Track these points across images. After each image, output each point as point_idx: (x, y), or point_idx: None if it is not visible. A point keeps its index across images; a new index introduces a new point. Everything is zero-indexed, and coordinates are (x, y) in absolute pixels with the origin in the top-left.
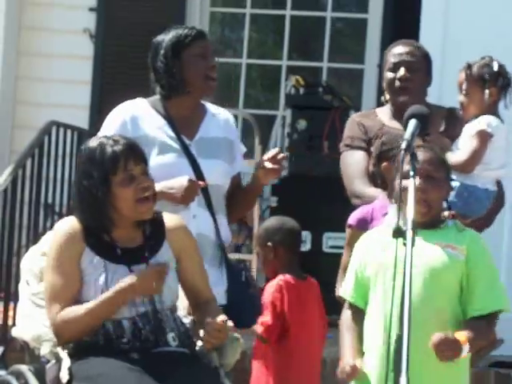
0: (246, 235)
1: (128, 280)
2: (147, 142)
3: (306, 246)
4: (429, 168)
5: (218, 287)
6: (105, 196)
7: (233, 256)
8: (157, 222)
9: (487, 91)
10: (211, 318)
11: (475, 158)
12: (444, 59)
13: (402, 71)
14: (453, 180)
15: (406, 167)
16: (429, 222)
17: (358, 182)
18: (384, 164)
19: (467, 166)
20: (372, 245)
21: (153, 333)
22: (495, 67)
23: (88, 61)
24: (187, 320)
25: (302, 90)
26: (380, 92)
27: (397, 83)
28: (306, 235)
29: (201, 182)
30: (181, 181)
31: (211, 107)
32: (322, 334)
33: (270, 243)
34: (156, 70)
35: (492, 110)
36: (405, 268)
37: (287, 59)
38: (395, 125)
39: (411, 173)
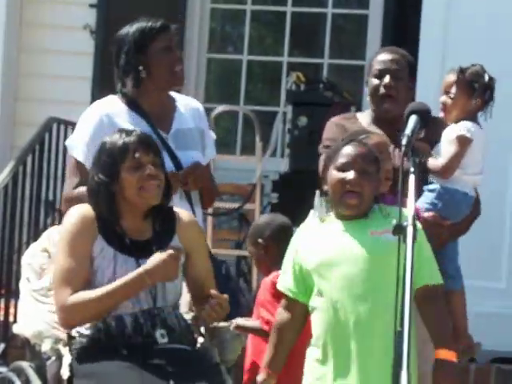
0: (246, 232)
1: (138, 270)
2: None
3: None
4: (362, 162)
5: None
6: (113, 184)
7: (234, 252)
8: (168, 217)
9: (474, 101)
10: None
11: (453, 162)
12: (445, 57)
13: (386, 79)
14: (431, 182)
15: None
16: (360, 214)
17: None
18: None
19: (446, 171)
20: (309, 238)
21: (154, 328)
22: (486, 79)
23: (88, 57)
24: (188, 316)
25: (302, 87)
26: None
27: (381, 90)
28: None
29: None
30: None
31: (179, 98)
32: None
33: (260, 240)
34: (120, 66)
35: (473, 116)
36: (405, 264)
37: (288, 56)
38: (376, 130)
39: (411, 169)
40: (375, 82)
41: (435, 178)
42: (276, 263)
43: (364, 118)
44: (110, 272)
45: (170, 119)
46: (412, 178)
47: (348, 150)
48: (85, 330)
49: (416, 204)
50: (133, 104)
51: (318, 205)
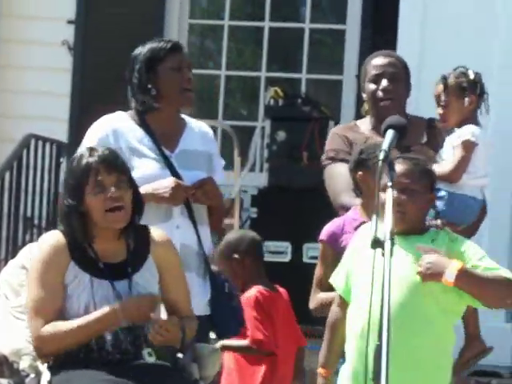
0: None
1: (113, 307)
2: (129, 155)
3: (287, 257)
4: (405, 180)
5: (202, 297)
6: (79, 206)
7: (213, 268)
8: (142, 237)
9: (467, 99)
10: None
11: (461, 167)
12: (421, 69)
13: (384, 82)
14: (439, 190)
15: (385, 179)
16: (407, 231)
17: (345, 195)
18: (360, 173)
19: (453, 176)
20: (361, 248)
21: (133, 345)
22: (471, 75)
23: (67, 73)
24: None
25: (280, 101)
26: (359, 102)
27: (379, 94)
28: (287, 246)
29: (187, 185)
30: (167, 181)
31: (191, 120)
32: (295, 341)
33: (236, 255)
34: (132, 85)
35: (472, 118)
36: (383, 279)
37: (266, 71)
38: (378, 137)
39: (389, 184)
40: (372, 86)
41: (442, 185)
42: (252, 277)
43: (365, 125)
44: (86, 297)
45: (177, 139)
46: (390, 193)
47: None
48: None
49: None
50: (140, 122)
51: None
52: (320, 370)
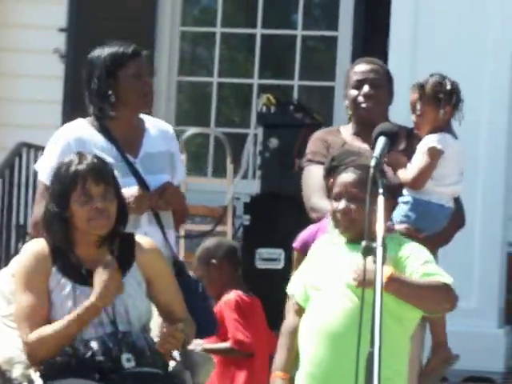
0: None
1: (92, 293)
2: None
3: (280, 264)
4: (353, 189)
5: None
6: (63, 212)
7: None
8: (127, 244)
9: (442, 110)
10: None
11: (423, 174)
12: (413, 76)
13: (366, 88)
14: (402, 195)
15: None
16: (356, 238)
17: (314, 196)
18: (331, 180)
19: (415, 183)
20: (321, 254)
21: (120, 352)
22: (448, 85)
23: (58, 81)
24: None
25: (273, 108)
26: None
27: (360, 99)
28: (280, 253)
29: (150, 193)
30: (131, 190)
31: (149, 120)
32: (270, 348)
33: (213, 260)
34: (91, 91)
35: (446, 127)
36: (375, 286)
37: (258, 78)
38: (356, 142)
39: (380, 190)
40: (354, 92)
41: (408, 190)
42: (230, 282)
43: (347, 130)
44: (70, 304)
45: (139, 143)
46: (381, 199)
47: (341, 179)
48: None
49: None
50: (101, 128)
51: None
52: (279, 374)
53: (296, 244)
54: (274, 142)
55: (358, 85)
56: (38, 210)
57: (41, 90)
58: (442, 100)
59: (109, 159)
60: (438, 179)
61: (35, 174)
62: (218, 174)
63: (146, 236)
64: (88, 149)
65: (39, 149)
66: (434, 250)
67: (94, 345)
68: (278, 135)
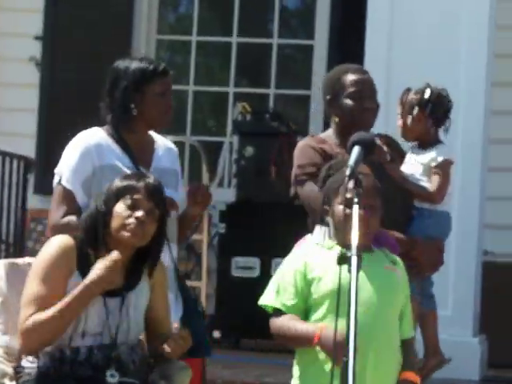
0: (194, 262)
1: (89, 277)
2: (112, 171)
3: (256, 272)
4: (369, 197)
5: (175, 315)
6: (107, 213)
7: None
8: (138, 257)
9: (410, 116)
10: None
11: (444, 188)
12: (388, 84)
13: (369, 102)
14: (417, 208)
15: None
16: (366, 246)
17: None
18: None
19: (437, 197)
20: (319, 263)
21: (107, 366)
22: (426, 94)
23: (34, 89)
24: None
25: (248, 117)
26: (327, 117)
27: (364, 114)
28: (255, 261)
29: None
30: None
31: (156, 137)
32: None
33: None
34: (114, 99)
35: (437, 136)
36: (349, 295)
37: (234, 86)
38: (343, 153)
39: (355, 199)
40: (351, 103)
41: (423, 204)
42: None
43: (330, 139)
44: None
45: (151, 157)
46: (356, 209)
47: (352, 185)
48: (30, 363)
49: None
50: (118, 138)
51: (319, 233)
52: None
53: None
54: (249, 151)
55: (357, 96)
56: (57, 214)
57: (16, 97)
58: (413, 107)
59: (124, 169)
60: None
61: (10, 182)
62: (193, 182)
63: None
64: (106, 157)
65: (15, 157)
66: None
67: (82, 351)
68: (254, 143)
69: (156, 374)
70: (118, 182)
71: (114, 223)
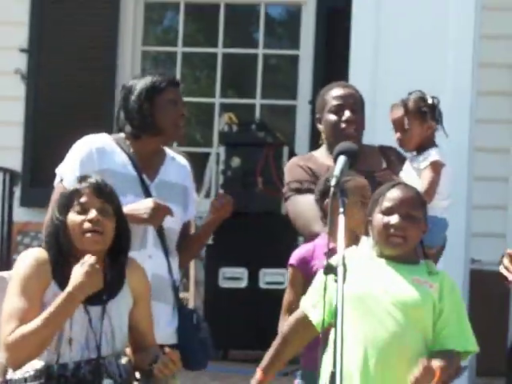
0: (182, 273)
1: (70, 283)
2: (111, 176)
3: (243, 283)
4: (407, 207)
5: (170, 326)
6: (62, 226)
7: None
8: (118, 264)
9: (427, 124)
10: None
11: (432, 188)
12: (374, 92)
13: (347, 113)
14: None
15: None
16: (404, 257)
17: (316, 224)
18: (326, 201)
19: (427, 198)
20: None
21: (92, 374)
22: (430, 100)
23: (20, 102)
24: (123, 361)
25: (235, 128)
26: (313, 128)
27: (342, 125)
28: (243, 272)
29: (166, 205)
30: (146, 202)
31: (170, 152)
32: None
33: None
34: (128, 110)
35: (432, 141)
36: (336, 305)
37: (220, 97)
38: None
39: (341, 209)
40: (333, 117)
41: None
42: None
43: (322, 156)
44: None
45: (157, 169)
46: (342, 218)
47: (393, 194)
48: (18, 377)
49: None
50: (124, 146)
51: (365, 244)
52: (259, 372)
53: (292, 261)
54: (236, 161)
55: (337, 109)
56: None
57: (2, 110)
58: (426, 114)
59: (126, 177)
60: (440, 193)
61: None
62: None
63: (150, 259)
64: (108, 162)
65: (0, 170)
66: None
67: (70, 367)
68: (240, 154)
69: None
70: (64, 192)
71: (73, 233)
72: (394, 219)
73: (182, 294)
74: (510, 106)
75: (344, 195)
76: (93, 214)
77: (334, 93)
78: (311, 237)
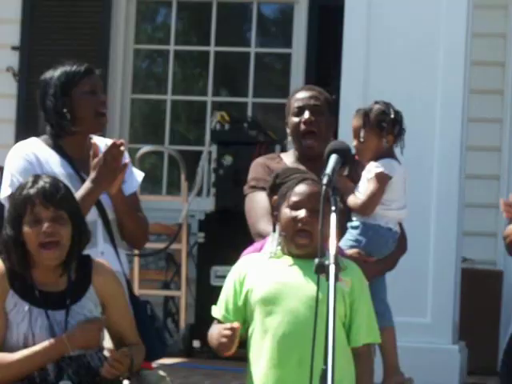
0: (174, 272)
1: (59, 337)
2: None
3: None
4: (315, 202)
5: None
6: (18, 236)
7: (161, 293)
8: (84, 267)
9: (384, 139)
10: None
11: (373, 200)
12: (366, 92)
13: (306, 114)
14: (352, 220)
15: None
16: (311, 254)
17: (261, 221)
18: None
19: (366, 209)
20: (257, 271)
21: (77, 375)
22: (392, 115)
23: (12, 99)
24: (106, 352)
25: (227, 126)
26: None
27: (302, 127)
28: None
29: (121, 141)
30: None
31: (99, 140)
32: None
33: None
34: (46, 109)
35: (389, 153)
36: (328, 303)
37: (212, 95)
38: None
39: (333, 208)
40: (295, 119)
41: (356, 216)
42: None
43: (288, 157)
44: (25, 326)
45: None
46: (333, 217)
47: (301, 189)
48: None
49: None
50: (56, 147)
51: (270, 240)
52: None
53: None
54: (228, 160)
55: (298, 112)
56: None
57: None
58: (384, 129)
59: (66, 177)
60: (386, 204)
61: None
62: (172, 191)
63: (102, 255)
64: (46, 166)
65: None
66: (382, 274)
67: (49, 368)
68: (232, 152)
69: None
70: (16, 197)
71: (29, 245)
72: (301, 213)
73: (173, 293)
74: (501, 105)
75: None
76: (46, 225)
77: (297, 96)
78: (255, 235)
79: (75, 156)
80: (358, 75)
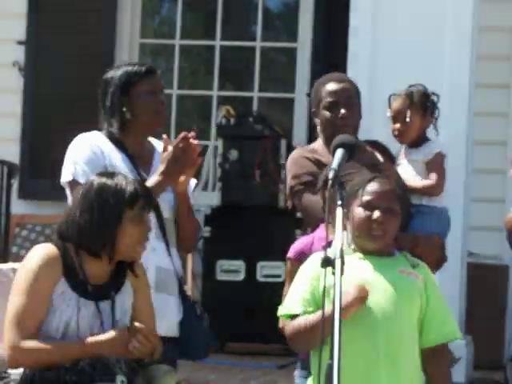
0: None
1: (106, 335)
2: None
3: (241, 276)
4: (388, 201)
5: (175, 318)
6: (113, 227)
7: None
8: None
9: (426, 119)
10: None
11: (442, 179)
12: (371, 86)
13: (342, 110)
14: (414, 205)
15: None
16: (383, 250)
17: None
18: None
19: (438, 189)
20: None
21: (91, 366)
22: (432, 96)
23: (18, 94)
24: None
25: (232, 120)
26: (311, 121)
27: (338, 122)
28: (240, 265)
29: (191, 134)
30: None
31: (156, 142)
32: None
33: None
34: (106, 107)
35: (426, 135)
36: (334, 298)
37: (218, 89)
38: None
39: (339, 202)
40: (328, 114)
41: (418, 199)
42: None
43: (321, 148)
44: (69, 313)
45: (150, 161)
46: (340, 211)
47: (373, 188)
48: (16, 374)
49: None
50: (116, 143)
51: (339, 237)
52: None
53: (290, 254)
54: (233, 154)
55: (331, 106)
56: None
57: (0, 102)
58: (428, 108)
59: (125, 172)
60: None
61: None
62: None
63: (154, 252)
64: (108, 158)
65: None
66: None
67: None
68: (238, 147)
69: (141, 378)
70: (127, 188)
71: (128, 242)
72: (375, 214)
73: None
74: (507, 99)
75: (342, 188)
76: (146, 226)
77: (329, 88)
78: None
79: (134, 152)
80: (363, 69)
